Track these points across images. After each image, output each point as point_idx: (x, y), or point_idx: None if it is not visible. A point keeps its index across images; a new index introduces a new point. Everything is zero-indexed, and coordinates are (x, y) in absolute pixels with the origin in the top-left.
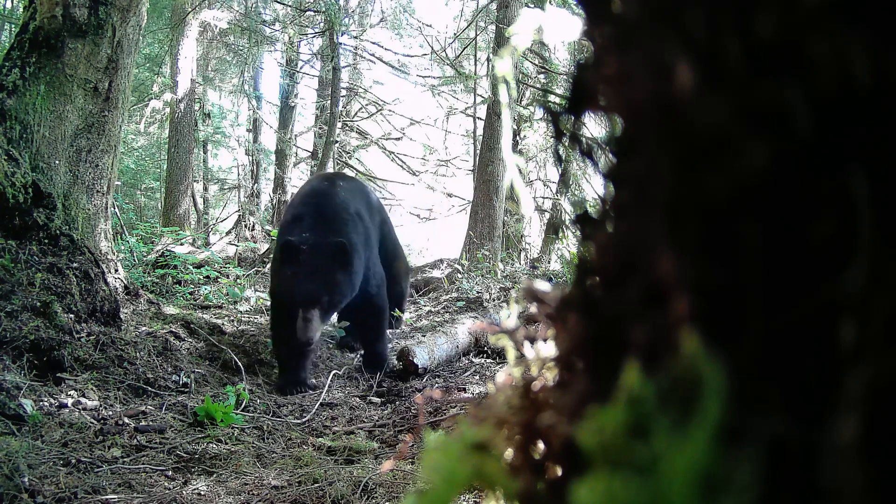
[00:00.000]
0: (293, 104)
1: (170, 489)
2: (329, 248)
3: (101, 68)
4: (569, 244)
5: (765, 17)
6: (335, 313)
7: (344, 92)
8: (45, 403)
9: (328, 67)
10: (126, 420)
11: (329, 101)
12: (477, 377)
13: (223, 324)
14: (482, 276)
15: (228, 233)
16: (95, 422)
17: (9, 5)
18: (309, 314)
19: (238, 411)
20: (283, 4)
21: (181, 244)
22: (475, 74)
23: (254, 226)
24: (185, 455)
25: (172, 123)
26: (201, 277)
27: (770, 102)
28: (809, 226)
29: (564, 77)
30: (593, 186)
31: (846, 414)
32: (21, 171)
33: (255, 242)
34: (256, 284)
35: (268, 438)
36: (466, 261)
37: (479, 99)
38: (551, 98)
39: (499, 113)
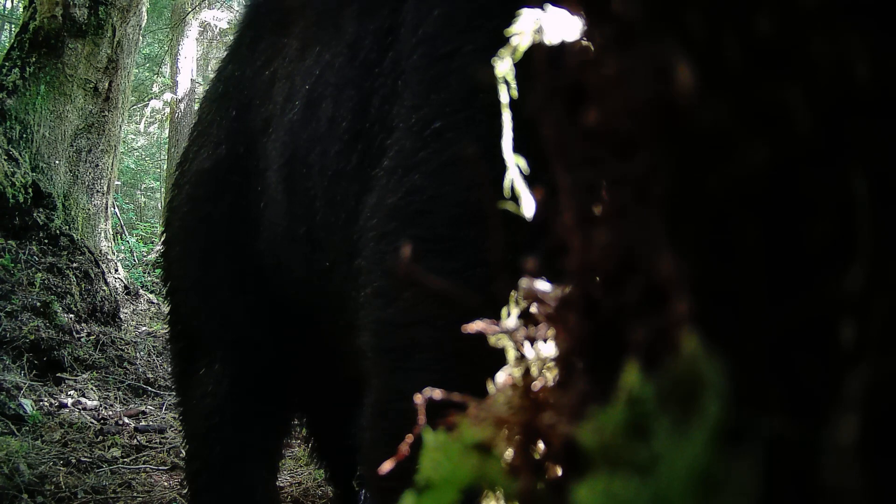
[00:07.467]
0: None
1: (170, 489)
2: None
3: (101, 68)
4: None
5: (764, 17)
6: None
7: None
8: (45, 403)
9: None
10: (126, 420)
11: None
12: None
13: None
14: None
15: None
16: (95, 422)
17: (9, 5)
18: None
19: None
20: None
21: None
22: None
23: None
24: (185, 455)
25: (172, 123)
26: None
27: (770, 102)
28: (809, 225)
29: None
30: None
31: (846, 414)
32: (21, 171)
33: None
34: None
35: None
36: None
37: None
38: None
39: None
